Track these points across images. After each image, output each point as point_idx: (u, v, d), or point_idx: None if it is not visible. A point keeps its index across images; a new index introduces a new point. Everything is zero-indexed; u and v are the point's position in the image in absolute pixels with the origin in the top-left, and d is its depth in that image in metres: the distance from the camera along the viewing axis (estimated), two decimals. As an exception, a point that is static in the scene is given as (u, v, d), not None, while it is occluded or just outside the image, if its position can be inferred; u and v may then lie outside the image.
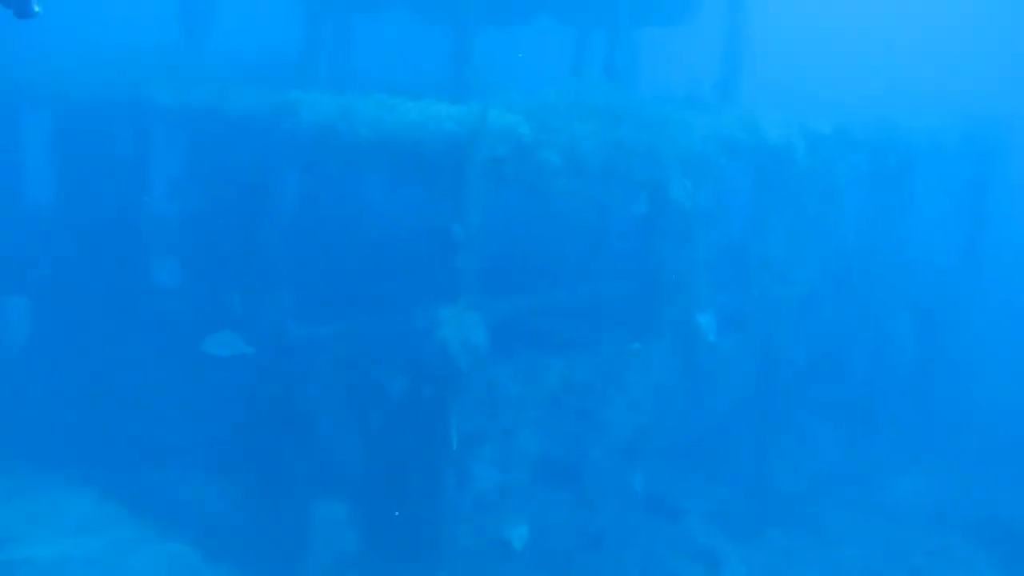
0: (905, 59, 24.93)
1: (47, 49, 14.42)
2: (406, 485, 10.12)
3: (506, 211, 12.32)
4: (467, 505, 9.98)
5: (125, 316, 13.44)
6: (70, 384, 14.26)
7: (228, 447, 12.13)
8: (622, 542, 11.26)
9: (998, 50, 26.24)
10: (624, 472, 11.22)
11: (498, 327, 9.85)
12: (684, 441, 12.42)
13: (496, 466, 10.00)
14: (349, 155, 10.21)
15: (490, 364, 9.83)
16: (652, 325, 11.40)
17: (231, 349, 11.49)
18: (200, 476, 13.03)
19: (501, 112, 9.82)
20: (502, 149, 9.61)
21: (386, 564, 10.43)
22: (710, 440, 13.25)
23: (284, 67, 14.17)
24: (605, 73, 13.32)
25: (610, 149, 10.61)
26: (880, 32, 28.07)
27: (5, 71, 14.40)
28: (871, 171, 15.18)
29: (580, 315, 11.68)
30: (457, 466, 9.85)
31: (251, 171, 12.05)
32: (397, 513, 10.21)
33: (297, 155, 11.80)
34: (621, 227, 12.45)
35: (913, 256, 16.21)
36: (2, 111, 14.92)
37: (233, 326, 11.97)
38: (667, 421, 11.49)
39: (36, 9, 5.50)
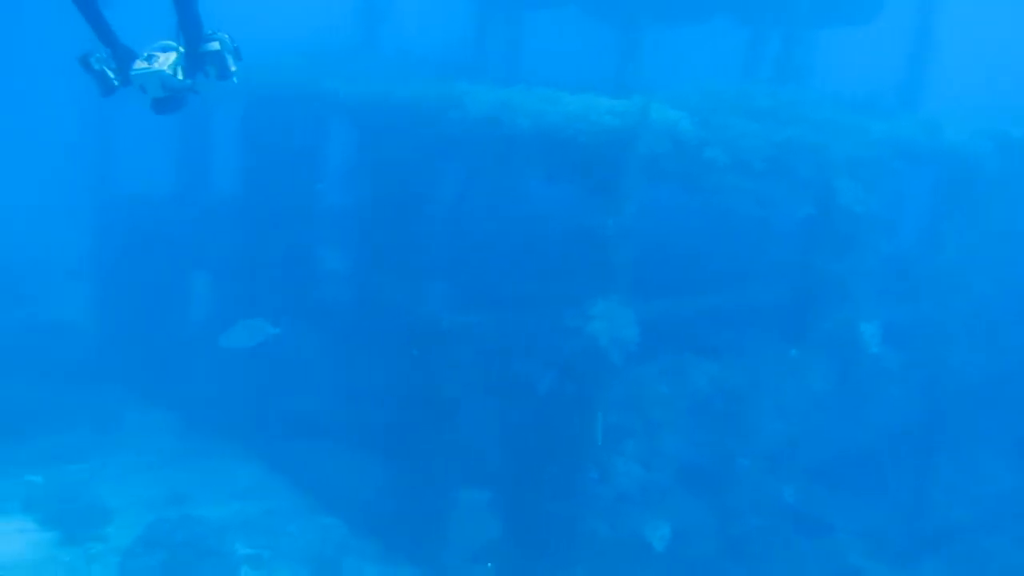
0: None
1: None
2: (548, 477, 10.12)
3: (664, 208, 12.14)
4: (608, 501, 9.89)
5: (295, 297, 14.08)
6: (242, 358, 15.07)
7: (381, 429, 12.51)
8: (766, 554, 10.87)
9: None
10: (771, 482, 10.85)
11: (649, 325, 9.70)
12: (837, 456, 11.85)
13: (639, 464, 9.86)
14: (509, 146, 10.31)
15: (639, 361, 9.72)
16: (810, 333, 10.98)
17: (257, 336, 11.65)
18: (354, 456, 13.47)
19: (663, 107, 9.67)
20: (662, 145, 9.47)
21: (525, 554, 10.47)
22: (866, 458, 12.58)
23: (455, 63, 14.49)
24: (778, 73, 12.91)
25: (777, 149, 10.27)
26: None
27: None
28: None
29: (735, 317, 11.36)
30: (600, 461, 9.79)
31: (416, 161, 12.38)
32: (538, 504, 10.23)
33: (461, 146, 12.02)
34: (784, 229, 12.02)
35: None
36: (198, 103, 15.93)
37: (392, 313, 12.33)
38: (820, 434, 11.02)
39: (232, 69, 5.89)
